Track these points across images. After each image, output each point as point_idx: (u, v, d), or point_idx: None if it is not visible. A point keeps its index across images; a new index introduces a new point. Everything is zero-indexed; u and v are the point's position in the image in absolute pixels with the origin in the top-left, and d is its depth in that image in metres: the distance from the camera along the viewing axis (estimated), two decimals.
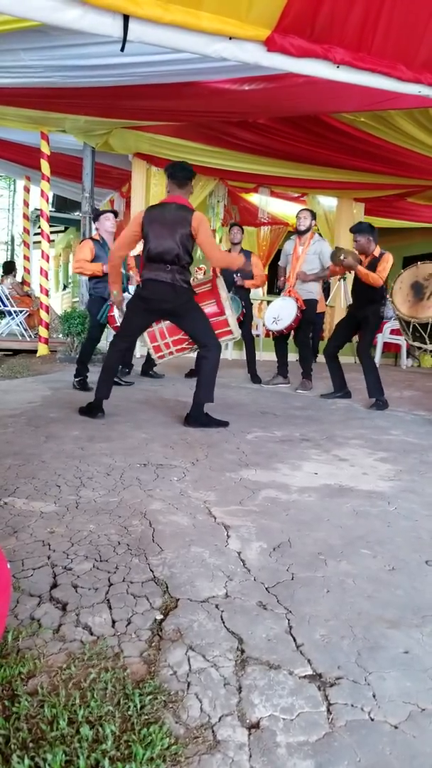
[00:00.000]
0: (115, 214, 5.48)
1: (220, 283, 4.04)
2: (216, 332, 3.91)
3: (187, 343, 4.04)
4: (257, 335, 9.24)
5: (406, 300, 4.70)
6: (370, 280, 4.94)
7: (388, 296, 4.81)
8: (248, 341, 6.61)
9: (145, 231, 3.72)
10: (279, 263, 6.29)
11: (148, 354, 6.30)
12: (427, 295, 4.57)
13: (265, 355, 8.90)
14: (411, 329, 4.73)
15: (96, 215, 5.39)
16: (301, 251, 5.87)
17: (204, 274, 9.91)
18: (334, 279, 6.26)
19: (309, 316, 5.94)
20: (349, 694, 1.22)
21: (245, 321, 6.38)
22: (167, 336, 4.04)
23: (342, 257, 5.03)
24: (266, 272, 12.14)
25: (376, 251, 5.05)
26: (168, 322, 4.00)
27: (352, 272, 5.12)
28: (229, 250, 6.50)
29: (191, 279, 3.92)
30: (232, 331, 4.04)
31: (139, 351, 7.53)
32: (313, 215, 6.07)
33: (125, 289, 5.21)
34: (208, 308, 3.95)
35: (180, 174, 3.78)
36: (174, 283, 3.71)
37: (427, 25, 3.71)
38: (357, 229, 5.11)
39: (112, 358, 4.02)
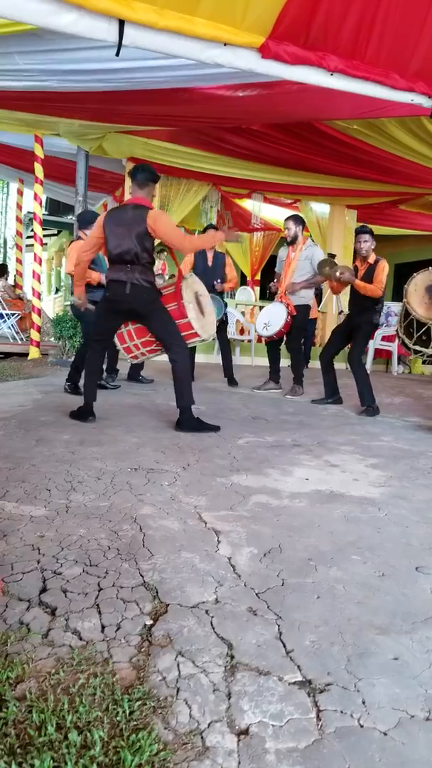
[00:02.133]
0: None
1: (185, 284, 3.99)
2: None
3: (156, 344, 4.01)
4: (248, 340, 9.25)
5: (423, 301, 4.72)
6: (368, 293, 4.98)
7: (405, 300, 4.78)
8: (223, 345, 6.57)
9: (105, 233, 3.77)
10: (275, 269, 6.23)
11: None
12: None
13: (257, 360, 8.91)
14: (418, 331, 4.72)
15: (87, 220, 5.31)
16: (293, 257, 5.87)
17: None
18: (326, 285, 6.22)
19: (300, 323, 5.88)
20: (338, 700, 1.22)
21: (220, 325, 6.20)
22: (135, 338, 4.02)
23: (338, 273, 5.09)
24: (258, 277, 12.25)
25: (371, 258, 5.11)
26: (137, 324, 3.99)
27: (349, 285, 5.17)
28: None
29: (157, 279, 3.90)
30: (198, 334, 3.95)
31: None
32: (298, 221, 5.93)
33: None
34: (171, 311, 3.90)
35: (140, 176, 3.82)
36: (134, 282, 3.73)
37: (420, 34, 3.75)
38: (365, 230, 5.17)
39: (92, 361, 4.11)
